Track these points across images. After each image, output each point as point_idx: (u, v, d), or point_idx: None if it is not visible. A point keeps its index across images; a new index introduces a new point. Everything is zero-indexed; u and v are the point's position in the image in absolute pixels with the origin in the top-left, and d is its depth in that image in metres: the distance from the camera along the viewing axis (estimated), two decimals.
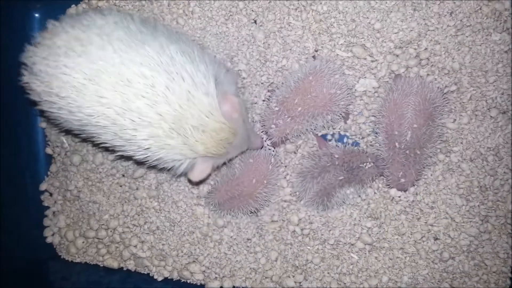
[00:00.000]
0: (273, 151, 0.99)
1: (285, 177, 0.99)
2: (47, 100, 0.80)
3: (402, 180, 0.92)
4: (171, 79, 0.74)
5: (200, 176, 0.81)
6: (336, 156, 0.92)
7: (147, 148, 0.77)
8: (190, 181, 0.84)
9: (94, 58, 0.74)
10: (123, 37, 0.76)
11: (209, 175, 0.84)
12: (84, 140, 0.94)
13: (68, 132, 0.96)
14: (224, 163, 0.88)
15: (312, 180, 0.92)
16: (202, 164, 0.80)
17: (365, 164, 0.92)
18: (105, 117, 0.75)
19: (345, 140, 0.99)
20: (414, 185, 0.95)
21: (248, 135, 0.87)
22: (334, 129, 0.99)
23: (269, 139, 0.97)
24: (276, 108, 0.93)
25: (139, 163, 0.91)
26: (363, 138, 0.98)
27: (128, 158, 0.85)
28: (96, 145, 0.87)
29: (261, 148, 0.96)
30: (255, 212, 0.98)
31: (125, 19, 0.81)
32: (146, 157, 0.80)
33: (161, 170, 0.87)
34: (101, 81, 0.74)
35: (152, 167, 0.86)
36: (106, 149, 0.89)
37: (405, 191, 0.95)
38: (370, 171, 0.93)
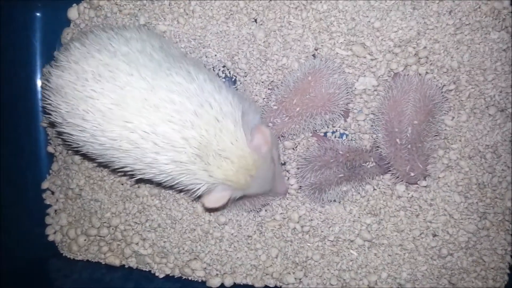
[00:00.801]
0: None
1: (285, 175, 0.99)
2: (71, 122, 0.80)
3: (411, 174, 0.92)
4: (200, 105, 0.75)
5: (215, 204, 0.80)
6: (341, 152, 0.92)
7: (168, 172, 0.78)
8: (204, 206, 0.82)
9: (121, 83, 0.75)
10: (149, 64, 0.78)
11: (225, 205, 0.83)
12: (101, 164, 0.94)
13: (85, 156, 0.96)
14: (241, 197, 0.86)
15: (311, 172, 0.92)
16: (221, 192, 0.79)
17: (367, 163, 0.93)
18: (129, 141, 0.76)
19: (344, 138, 1.00)
20: (425, 176, 0.95)
21: (274, 176, 0.86)
22: (334, 127, 1.00)
23: None
24: (275, 107, 0.93)
25: None
26: (362, 134, 0.98)
27: (148, 181, 0.84)
28: (114, 170, 0.87)
29: (285, 195, 0.96)
30: (254, 211, 0.99)
31: (148, 46, 0.82)
32: (166, 180, 0.80)
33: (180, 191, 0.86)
34: (127, 106, 0.75)
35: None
36: (125, 174, 0.88)
37: (415, 183, 0.95)
38: (371, 170, 0.94)
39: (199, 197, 0.81)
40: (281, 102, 0.93)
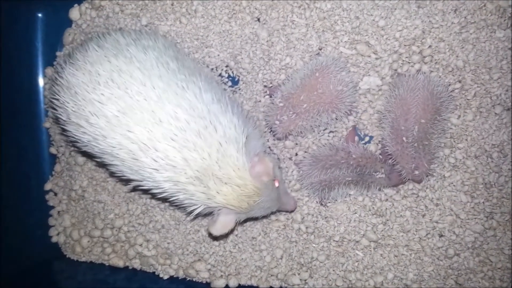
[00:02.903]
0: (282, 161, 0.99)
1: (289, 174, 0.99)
2: (75, 122, 0.80)
3: (416, 172, 0.91)
4: (204, 127, 0.74)
5: (222, 230, 0.79)
6: (353, 156, 0.91)
7: (165, 189, 0.77)
8: (210, 234, 0.81)
9: (132, 92, 0.75)
10: (164, 74, 0.77)
11: (232, 230, 0.82)
12: (101, 164, 0.94)
13: (88, 157, 0.97)
14: (247, 219, 0.84)
15: (322, 170, 0.92)
16: (225, 216, 0.78)
17: (377, 173, 0.92)
18: (127, 151, 0.75)
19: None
20: (429, 175, 0.94)
21: (280, 196, 0.85)
22: (335, 127, 0.98)
23: (273, 135, 0.97)
24: (281, 104, 0.92)
25: None
26: (367, 134, 0.98)
27: (145, 190, 0.84)
28: (112, 173, 0.86)
29: (294, 210, 0.94)
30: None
31: (164, 55, 0.81)
32: (163, 195, 0.79)
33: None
34: (133, 115, 0.74)
35: None
36: (121, 180, 0.87)
37: (420, 182, 0.94)
38: (380, 181, 0.93)
39: (196, 215, 0.81)
40: (287, 99, 0.91)
